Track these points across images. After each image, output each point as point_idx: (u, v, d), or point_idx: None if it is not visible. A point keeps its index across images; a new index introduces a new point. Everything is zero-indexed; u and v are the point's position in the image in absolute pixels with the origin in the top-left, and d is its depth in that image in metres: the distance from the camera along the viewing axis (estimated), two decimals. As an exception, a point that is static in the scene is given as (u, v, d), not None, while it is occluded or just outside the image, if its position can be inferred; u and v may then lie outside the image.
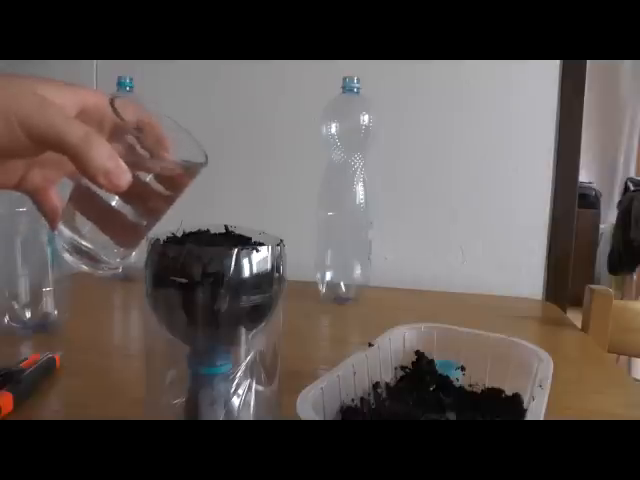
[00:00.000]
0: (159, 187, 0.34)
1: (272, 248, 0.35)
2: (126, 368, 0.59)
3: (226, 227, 0.39)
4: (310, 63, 1.07)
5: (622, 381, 0.62)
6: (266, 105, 1.13)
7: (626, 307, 0.85)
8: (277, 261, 0.35)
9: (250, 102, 1.14)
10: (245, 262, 0.33)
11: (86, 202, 0.34)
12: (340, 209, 0.88)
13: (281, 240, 0.37)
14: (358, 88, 0.85)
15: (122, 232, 0.35)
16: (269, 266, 0.35)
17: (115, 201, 0.33)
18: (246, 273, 0.33)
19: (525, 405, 0.41)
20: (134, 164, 0.31)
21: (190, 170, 0.34)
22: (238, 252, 0.33)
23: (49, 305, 0.67)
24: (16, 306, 0.65)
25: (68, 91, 0.33)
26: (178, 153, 0.35)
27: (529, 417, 0.35)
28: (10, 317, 0.65)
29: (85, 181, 0.32)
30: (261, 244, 0.35)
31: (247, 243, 0.36)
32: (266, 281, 0.35)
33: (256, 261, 0.34)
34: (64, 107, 0.32)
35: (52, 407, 0.50)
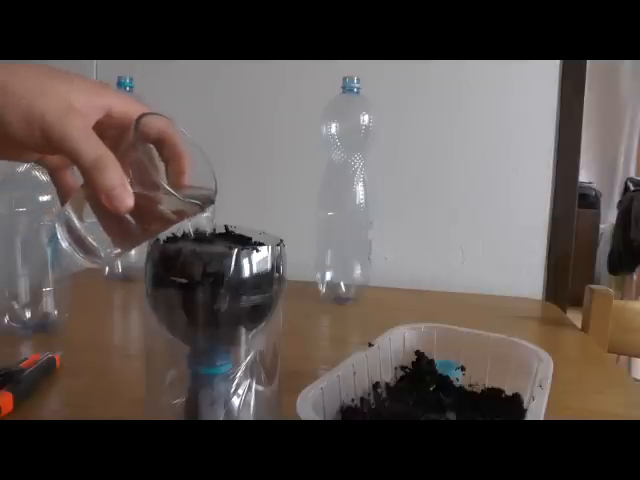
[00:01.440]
0: (164, 211, 0.34)
1: (272, 248, 0.35)
2: (126, 368, 0.59)
3: (226, 227, 0.39)
4: (310, 63, 1.07)
5: (622, 381, 0.62)
6: (266, 105, 1.13)
7: (626, 307, 0.85)
8: (277, 261, 0.35)
9: (250, 102, 1.14)
10: (245, 262, 0.33)
11: (94, 196, 0.34)
12: (340, 209, 0.88)
13: (281, 240, 0.37)
14: (358, 88, 0.85)
15: (121, 234, 0.35)
16: (269, 266, 0.35)
17: None
18: (246, 273, 0.33)
19: (525, 405, 0.41)
20: (143, 187, 0.32)
21: (195, 208, 0.34)
22: (238, 252, 0.33)
23: (49, 305, 0.67)
24: (16, 306, 0.65)
25: (97, 95, 0.33)
26: (191, 177, 0.36)
27: (529, 417, 0.35)
28: (10, 317, 0.65)
29: None
30: (261, 244, 0.35)
31: (247, 243, 0.36)
32: (266, 281, 0.35)
33: (256, 261, 0.34)
34: (88, 114, 0.32)
35: (52, 407, 0.50)
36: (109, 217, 0.34)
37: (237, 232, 0.38)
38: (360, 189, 0.88)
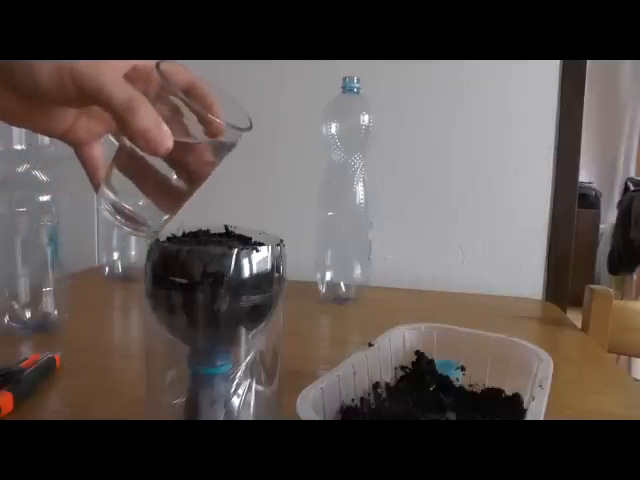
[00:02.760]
0: (202, 153, 0.34)
1: (272, 248, 0.35)
2: (126, 368, 0.59)
3: (226, 227, 0.39)
4: (310, 63, 1.07)
5: (622, 381, 0.62)
6: (266, 105, 1.13)
7: (626, 307, 0.85)
8: (277, 261, 0.35)
9: (250, 102, 1.13)
10: (245, 262, 0.33)
11: (129, 163, 0.34)
12: (340, 209, 0.88)
13: (281, 240, 0.37)
14: (358, 88, 0.85)
15: (164, 196, 0.35)
16: (269, 266, 0.35)
17: (159, 164, 0.33)
18: (246, 273, 0.33)
19: (525, 405, 0.41)
20: (178, 129, 0.31)
21: (232, 139, 0.34)
22: (238, 252, 0.33)
23: (49, 305, 0.67)
24: (16, 306, 0.65)
25: None
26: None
27: (529, 417, 0.35)
28: (10, 317, 0.65)
29: (129, 142, 0.32)
30: (261, 244, 0.35)
31: (247, 243, 0.36)
32: (266, 281, 0.35)
33: (256, 261, 0.34)
34: (116, 65, 0.33)
35: (52, 407, 0.50)
36: (147, 179, 0.34)
37: (237, 232, 0.38)
38: (360, 189, 0.88)
